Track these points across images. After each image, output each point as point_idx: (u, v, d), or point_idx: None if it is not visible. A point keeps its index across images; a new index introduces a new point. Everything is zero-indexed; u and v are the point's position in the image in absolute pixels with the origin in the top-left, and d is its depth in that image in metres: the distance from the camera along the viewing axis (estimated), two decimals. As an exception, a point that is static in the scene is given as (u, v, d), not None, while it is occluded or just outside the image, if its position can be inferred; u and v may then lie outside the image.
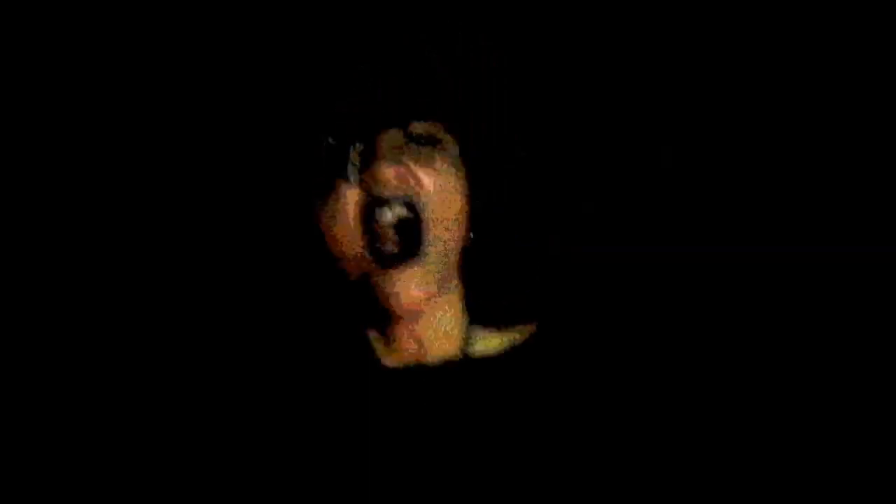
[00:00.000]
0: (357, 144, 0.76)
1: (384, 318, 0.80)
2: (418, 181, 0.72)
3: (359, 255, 0.74)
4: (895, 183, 1.54)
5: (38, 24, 1.67)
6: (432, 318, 0.79)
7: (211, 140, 1.67)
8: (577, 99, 1.54)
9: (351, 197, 0.74)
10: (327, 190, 0.77)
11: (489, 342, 0.86)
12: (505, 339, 0.87)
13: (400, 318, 0.78)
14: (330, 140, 0.76)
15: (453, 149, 0.77)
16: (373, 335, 0.84)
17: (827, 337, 1.55)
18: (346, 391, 0.85)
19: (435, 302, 0.77)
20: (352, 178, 0.75)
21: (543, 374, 0.85)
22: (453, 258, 0.77)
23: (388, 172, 0.71)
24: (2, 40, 1.66)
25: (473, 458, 0.79)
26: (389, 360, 0.83)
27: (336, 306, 1.05)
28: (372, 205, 0.73)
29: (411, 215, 0.73)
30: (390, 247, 0.71)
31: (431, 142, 0.75)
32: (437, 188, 0.72)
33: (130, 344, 1.67)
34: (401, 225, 0.73)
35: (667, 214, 1.56)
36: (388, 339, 0.84)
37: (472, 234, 0.79)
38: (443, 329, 0.80)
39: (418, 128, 0.75)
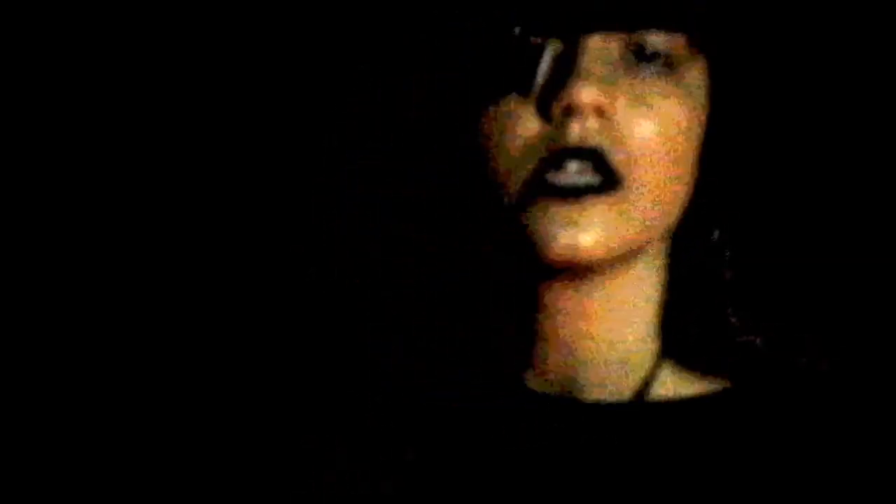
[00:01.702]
0: (552, 46, 0.49)
1: (531, 296, 0.55)
2: (626, 125, 0.51)
3: (530, 179, 0.51)
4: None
5: (37, 23, 1.66)
6: (615, 288, 0.54)
7: (213, 139, 1.67)
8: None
9: (531, 120, 0.50)
10: (497, 98, 0.52)
11: (679, 386, 0.58)
12: (702, 388, 0.59)
13: (559, 283, 0.54)
14: (517, 30, 0.49)
15: (696, 77, 0.54)
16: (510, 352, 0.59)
17: None
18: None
19: (615, 273, 0.54)
20: (535, 88, 0.49)
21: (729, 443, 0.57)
22: (666, 217, 0.54)
23: (585, 93, 0.48)
24: (1, 40, 1.66)
25: None
26: (534, 381, 0.58)
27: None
28: (556, 136, 0.50)
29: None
30: (577, 178, 0.50)
31: (666, 63, 0.53)
32: (655, 142, 0.51)
33: (131, 344, 1.66)
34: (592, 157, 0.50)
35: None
36: (533, 337, 0.58)
37: (716, 230, 0.56)
38: (617, 318, 0.55)
39: (654, 41, 0.51)
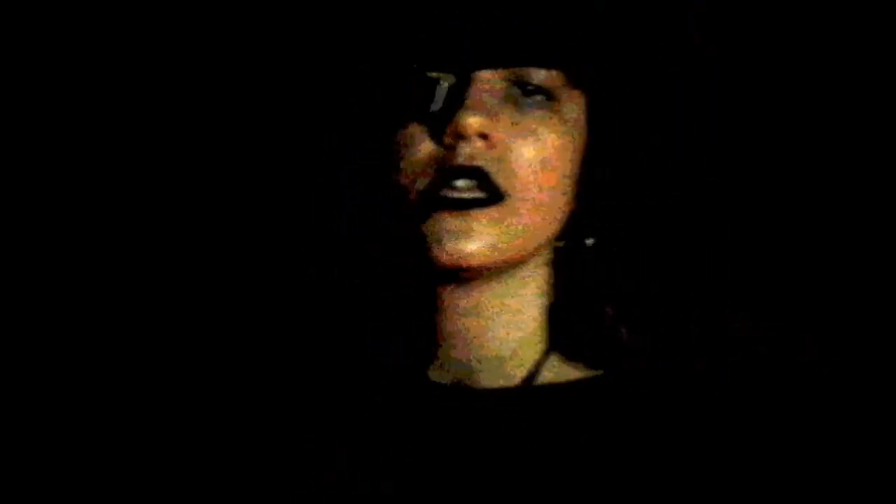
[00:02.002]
0: (446, 79, 0.57)
1: (431, 297, 0.61)
2: (508, 148, 0.56)
3: (425, 193, 0.59)
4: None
5: (37, 23, 1.67)
6: (503, 289, 0.58)
7: (215, 139, 1.67)
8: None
9: (426, 144, 0.59)
10: (401, 122, 0.61)
11: (562, 375, 0.64)
12: (581, 375, 0.65)
13: (454, 286, 0.60)
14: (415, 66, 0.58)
15: (574, 109, 0.60)
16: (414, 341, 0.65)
17: None
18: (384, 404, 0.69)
19: (504, 277, 0.60)
20: (430, 116, 0.57)
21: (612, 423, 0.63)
22: (545, 230, 0.60)
23: (471, 122, 0.55)
24: (1, 40, 1.66)
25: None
26: (434, 372, 0.64)
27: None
28: (449, 156, 0.56)
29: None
30: (464, 192, 0.57)
31: (547, 97, 0.58)
32: (533, 163, 0.57)
33: (131, 344, 1.67)
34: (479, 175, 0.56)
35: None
36: (434, 333, 0.64)
37: (588, 238, 0.63)
38: (507, 317, 0.61)
39: (535, 76, 0.57)
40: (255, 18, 1.65)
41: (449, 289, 0.62)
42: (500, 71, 0.57)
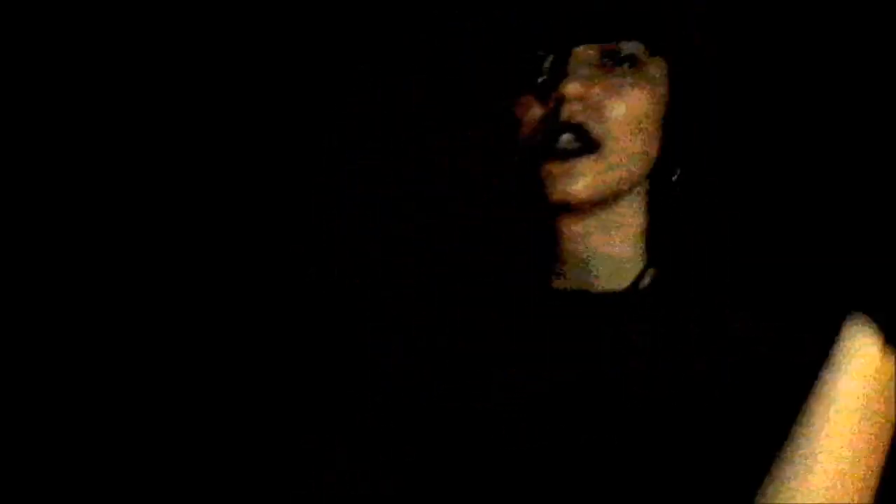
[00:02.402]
0: (550, 56, 0.73)
1: (550, 227, 0.78)
2: (601, 107, 0.72)
3: (537, 147, 0.74)
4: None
5: (37, 23, 1.66)
6: (607, 217, 0.76)
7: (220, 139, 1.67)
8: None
9: (536, 108, 0.73)
10: (515, 94, 0.75)
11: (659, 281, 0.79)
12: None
13: (566, 217, 0.76)
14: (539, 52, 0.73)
15: (656, 71, 0.75)
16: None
17: None
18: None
19: (606, 208, 0.75)
20: (540, 93, 0.73)
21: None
22: (637, 169, 0.75)
23: (571, 88, 0.71)
24: (2, 40, 1.66)
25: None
26: (557, 283, 0.79)
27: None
28: (554, 117, 0.73)
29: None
30: (567, 145, 0.73)
31: (632, 63, 0.73)
32: (621, 116, 0.72)
33: (131, 343, 1.67)
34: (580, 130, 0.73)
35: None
36: (554, 255, 0.79)
37: (678, 169, 0.76)
38: (619, 227, 0.76)
39: (622, 47, 0.72)
40: (256, 19, 1.65)
41: (563, 220, 0.76)
42: (592, 46, 0.72)
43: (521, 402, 0.73)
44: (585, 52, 0.72)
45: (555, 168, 0.72)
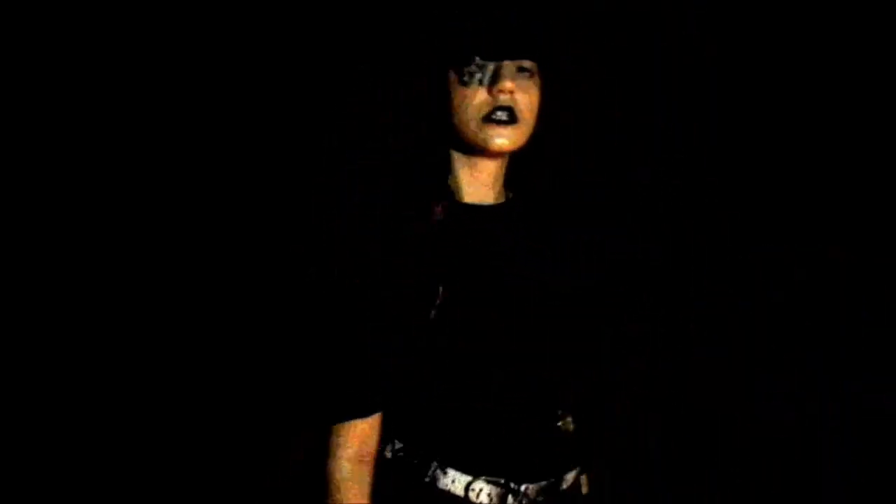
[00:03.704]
0: (489, 67, 1.16)
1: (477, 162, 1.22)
2: (519, 97, 1.17)
3: (475, 120, 1.16)
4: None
5: (38, 24, 1.67)
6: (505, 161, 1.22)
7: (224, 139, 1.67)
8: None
9: (480, 94, 1.16)
10: (467, 87, 1.17)
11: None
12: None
13: (492, 157, 1.19)
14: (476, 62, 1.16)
15: (538, 77, 1.19)
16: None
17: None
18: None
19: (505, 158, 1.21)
20: (483, 81, 1.17)
21: None
22: (525, 141, 1.19)
23: (507, 85, 1.15)
24: (2, 40, 1.66)
25: None
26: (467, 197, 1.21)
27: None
28: (493, 101, 1.16)
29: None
30: (501, 117, 1.15)
31: (530, 72, 1.17)
32: (526, 101, 1.16)
33: (131, 343, 1.67)
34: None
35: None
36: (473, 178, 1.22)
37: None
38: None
39: (525, 64, 1.17)
40: (256, 20, 1.66)
41: (485, 162, 1.18)
42: (514, 61, 1.16)
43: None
44: (510, 65, 1.16)
45: (494, 129, 1.15)
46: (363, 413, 1.07)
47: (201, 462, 1.62)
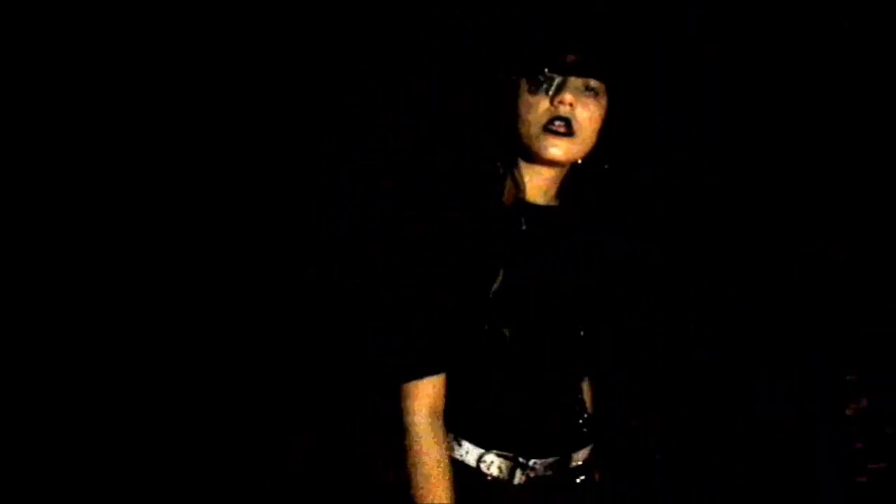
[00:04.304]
0: (556, 80, 1.20)
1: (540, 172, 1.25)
2: (578, 112, 1.20)
3: (536, 128, 1.19)
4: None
5: (39, 24, 1.67)
6: (562, 170, 1.25)
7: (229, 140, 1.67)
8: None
9: (543, 104, 1.19)
10: (534, 95, 1.19)
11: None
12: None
13: (550, 167, 1.22)
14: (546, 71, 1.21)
15: (604, 98, 1.22)
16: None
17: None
18: None
19: (570, 165, 1.25)
20: (548, 95, 1.20)
21: None
22: (582, 155, 1.22)
23: (568, 98, 1.19)
24: (2, 41, 1.66)
25: None
26: (529, 198, 1.25)
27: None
28: (554, 111, 1.21)
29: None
30: (559, 128, 1.19)
31: (595, 91, 1.21)
32: (586, 116, 1.19)
33: (131, 343, 1.67)
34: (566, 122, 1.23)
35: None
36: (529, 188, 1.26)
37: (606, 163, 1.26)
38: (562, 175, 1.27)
39: (591, 83, 1.20)
40: (257, 21, 1.66)
41: (542, 168, 1.22)
42: (579, 78, 1.19)
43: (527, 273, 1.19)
44: (576, 81, 1.20)
45: (551, 140, 1.18)
46: (433, 371, 1.14)
47: (201, 462, 1.62)
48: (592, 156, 1.23)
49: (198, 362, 1.65)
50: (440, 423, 1.15)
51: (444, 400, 1.16)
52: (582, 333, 1.21)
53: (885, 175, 1.59)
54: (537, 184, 1.24)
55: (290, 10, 1.64)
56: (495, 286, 1.18)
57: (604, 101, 1.22)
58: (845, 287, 1.60)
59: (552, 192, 1.24)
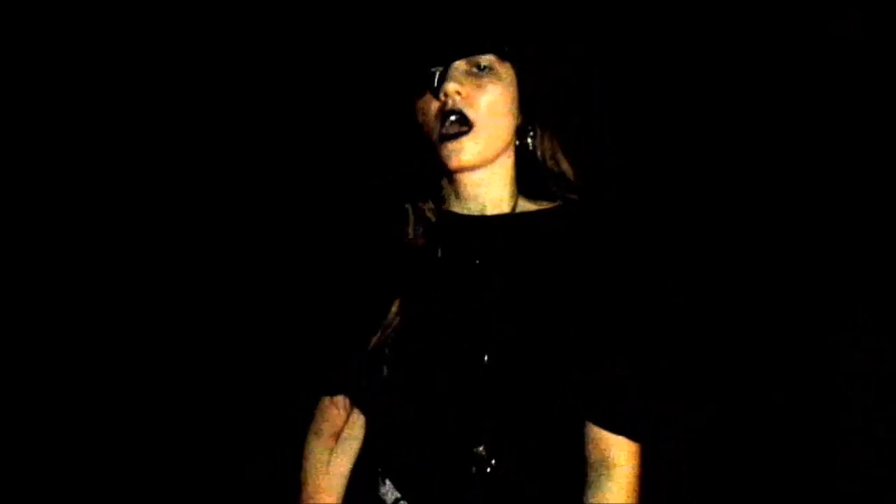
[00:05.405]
0: (438, 69, 1.07)
1: (457, 180, 1.13)
2: (472, 99, 1.06)
3: (435, 134, 1.07)
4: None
5: (40, 25, 1.67)
6: (490, 170, 1.11)
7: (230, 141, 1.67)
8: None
9: (434, 104, 1.07)
10: (419, 96, 1.08)
11: (530, 206, 1.15)
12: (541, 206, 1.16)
13: (463, 174, 1.10)
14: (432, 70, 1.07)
15: (506, 73, 1.08)
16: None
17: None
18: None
19: (486, 167, 1.11)
20: (434, 93, 1.07)
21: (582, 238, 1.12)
22: (501, 138, 1.09)
23: (451, 87, 1.05)
24: (2, 41, 1.66)
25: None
26: (454, 209, 1.14)
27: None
28: (443, 108, 1.07)
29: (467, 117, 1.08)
30: (452, 128, 1.06)
31: (489, 68, 1.07)
32: (484, 100, 1.06)
33: (131, 343, 1.67)
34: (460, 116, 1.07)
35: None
36: (456, 196, 1.15)
37: (531, 134, 1.12)
38: (493, 184, 1.13)
39: (481, 60, 1.06)
40: (257, 21, 1.66)
41: (460, 176, 1.10)
42: (463, 60, 1.06)
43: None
44: (460, 65, 1.06)
45: (449, 147, 1.05)
46: (328, 392, 1.13)
47: (201, 461, 1.62)
48: (540, 139, 1.09)
49: (198, 362, 1.65)
50: (337, 446, 1.14)
51: (341, 423, 1.13)
52: (486, 369, 1.05)
53: (886, 175, 1.58)
54: (464, 193, 1.10)
55: (289, 10, 1.64)
56: (387, 319, 1.07)
57: (508, 75, 1.07)
58: (845, 287, 1.59)
59: (483, 197, 1.09)
